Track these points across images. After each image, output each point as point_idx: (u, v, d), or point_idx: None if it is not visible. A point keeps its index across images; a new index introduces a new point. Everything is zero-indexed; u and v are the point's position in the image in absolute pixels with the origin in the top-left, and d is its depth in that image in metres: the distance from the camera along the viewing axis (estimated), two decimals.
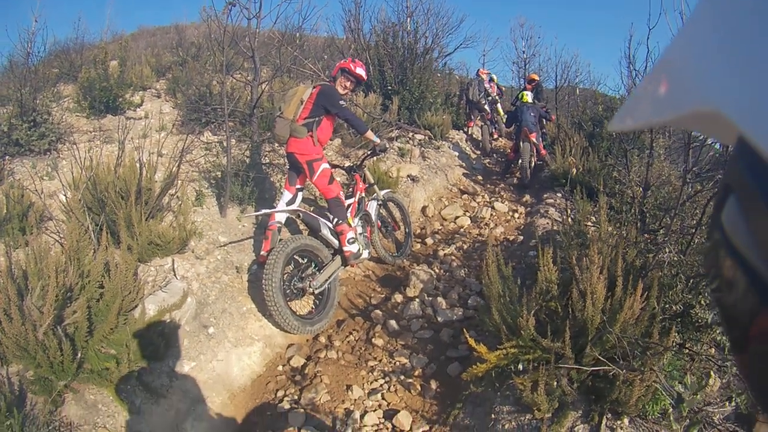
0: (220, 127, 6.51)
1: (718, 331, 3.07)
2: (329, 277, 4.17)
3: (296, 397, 3.48)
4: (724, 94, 0.30)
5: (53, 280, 2.90)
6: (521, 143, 8.17)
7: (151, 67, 9.44)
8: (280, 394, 3.54)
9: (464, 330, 3.35)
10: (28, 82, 6.26)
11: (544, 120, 9.27)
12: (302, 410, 3.36)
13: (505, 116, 10.41)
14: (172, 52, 11.10)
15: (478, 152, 10.26)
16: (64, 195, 4.21)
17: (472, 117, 10.84)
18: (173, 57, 10.54)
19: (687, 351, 2.96)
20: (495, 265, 3.31)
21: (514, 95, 12.08)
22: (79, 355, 2.98)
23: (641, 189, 4.13)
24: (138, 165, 4.06)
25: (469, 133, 11.03)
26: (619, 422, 2.76)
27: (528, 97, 8.91)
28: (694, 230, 3.37)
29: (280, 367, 3.81)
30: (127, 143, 4.77)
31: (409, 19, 10.81)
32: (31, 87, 6.20)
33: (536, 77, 12.23)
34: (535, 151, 8.38)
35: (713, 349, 3.10)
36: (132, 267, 3.39)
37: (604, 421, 2.74)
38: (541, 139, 8.72)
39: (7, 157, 5.57)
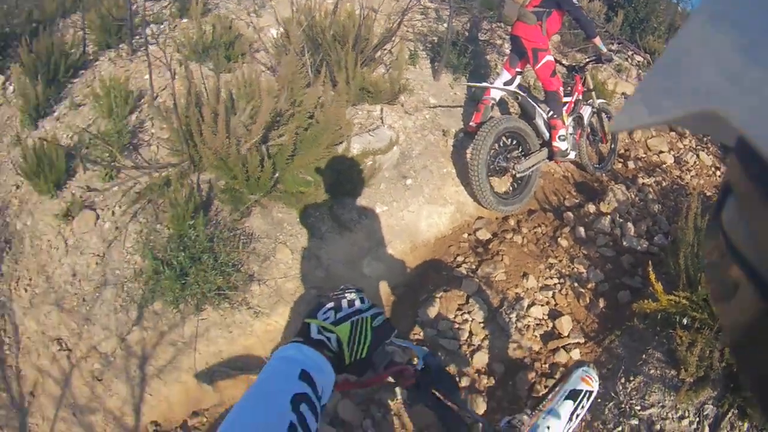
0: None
1: None
2: (533, 165, 4.17)
3: (474, 267, 3.64)
4: (724, 94, 0.29)
5: (265, 102, 3.15)
6: None
7: None
8: (459, 259, 3.72)
9: (649, 262, 3.23)
10: None
11: None
12: (477, 280, 3.51)
13: None
14: None
15: None
16: (276, 30, 4.44)
17: None
18: None
19: None
20: (693, 213, 3.17)
21: None
22: (277, 174, 3.28)
23: None
24: (358, 13, 4.16)
25: None
26: (740, 423, 2.71)
27: None
28: None
29: (465, 235, 3.97)
30: None
31: None
32: None
33: None
34: None
35: None
36: (344, 105, 3.60)
37: (728, 416, 2.70)
38: None
39: None
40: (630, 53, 7.96)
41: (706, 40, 0.33)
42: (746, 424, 2.71)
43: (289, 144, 3.24)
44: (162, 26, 5.20)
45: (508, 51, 4.66)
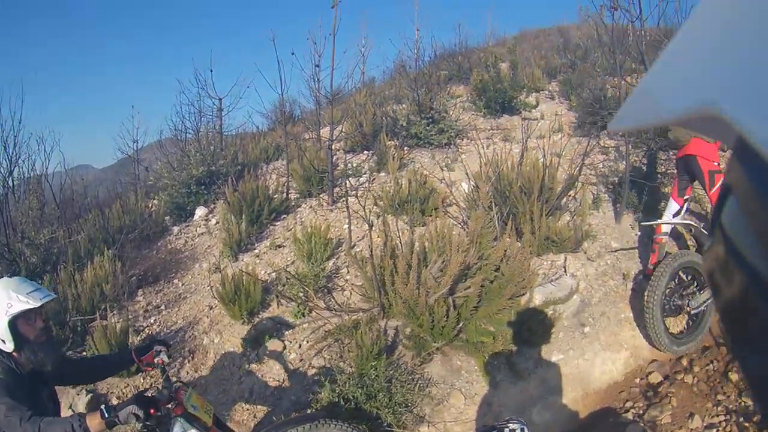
0: (616, 132, 6.49)
1: None
2: (708, 299, 3.95)
3: (641, 412, 3.53)
4: (724, 94, 0.29)
5: (454, 257, 3.36)
6: None
7: (540, 69, 9.78)
8: (628, 404, 3.62)
9: None
10: (422, 84, 7.01)
11: None
12: (642, 425, 3.41)
13: None
14: (559, 54, 11.35)
15: None
16: (467, 185, 4.78)
17: None
18: (561, 59, 10.77)
19: None
20: None
21: None
22: (461, 324, 3.43)
23: None
24: (541, 164, 4.37)
25: None
26: None
27: None
28: None
29: (638, 380, 3.85)
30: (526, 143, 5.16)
31: None
32: (426, 88, 6.97)
33: None
34: None
35: None
36: (528, 258, 3.74)
37: None
38: None
39: (407, 147, 6.49)
40: None
41: (706, 41, 0.34)
42: None
43: (474, 296, 3.40)
44: (361, 179, 5.81)
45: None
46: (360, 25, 13.76)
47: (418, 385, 3.32)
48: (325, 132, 6.61)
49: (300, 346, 3.84)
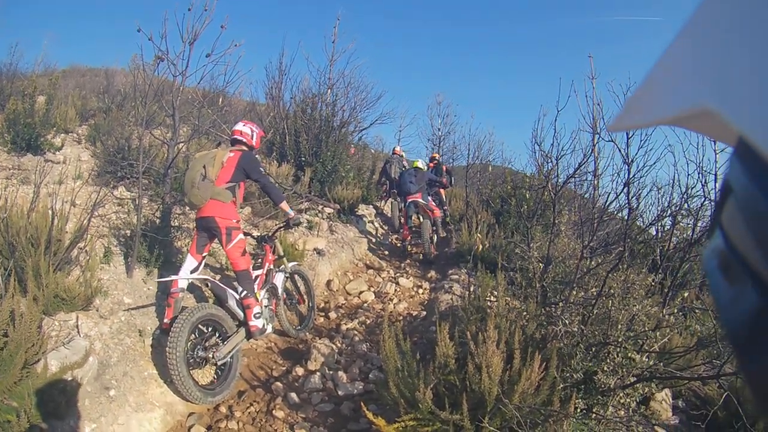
0: (134, 184, 6.40)
1: (622, 395, 3.33)
2: (233, 349, 4.17)
3: None
4: (724, 94, 0.30)
5: None
6: (413, 219, 8.38)
7: (76, 109, 9.34)
8: None
9: (363, 403, 3.49)
10: None
11: (437, 183, 9.43)
12: None
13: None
14: (98, 97, 11.02)
15: (387, 228, 10.60)
16: None
17: (390, 193, 11.10)
18: (99, 102, 10.47)
19: (594, 415, 3.21)
20: (392, 340, 3.49)
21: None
22: None
23: (542, 264, 4.46)
24: (50, 212, 3.99)
25: (382, 208, 11.39)
26: None
27: (420, 163, 9.11)
28: (593, 301, 3.66)
29: None
30: (43, 188, 4.67)
31: (329, 90, 11.28)
32: None
33: (437, 156, 13.02)
34: (433, 223, 8.60)
35: (621, 411, 3.47)
36: (37, 319, 3.31)
37: None
38: (430, 199, 8.84)
39: None
40: (320, 207, 8.68)
41: (706, 41, 0.34)
42: None
43: None
44: None
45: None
46: None
47: None
48: None
49: None
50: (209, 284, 4.31)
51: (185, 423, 3.88)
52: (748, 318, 0.30)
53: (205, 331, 4.20)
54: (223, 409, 4.05)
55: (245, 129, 4.61)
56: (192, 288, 4.74)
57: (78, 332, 3.83)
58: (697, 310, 4.92)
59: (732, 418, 4.34)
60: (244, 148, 4.55)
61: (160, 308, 4.58)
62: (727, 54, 0.32)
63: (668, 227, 5.51)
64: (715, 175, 5.06)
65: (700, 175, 4.86)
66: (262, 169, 4.43)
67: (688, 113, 0.36)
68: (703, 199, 4.83)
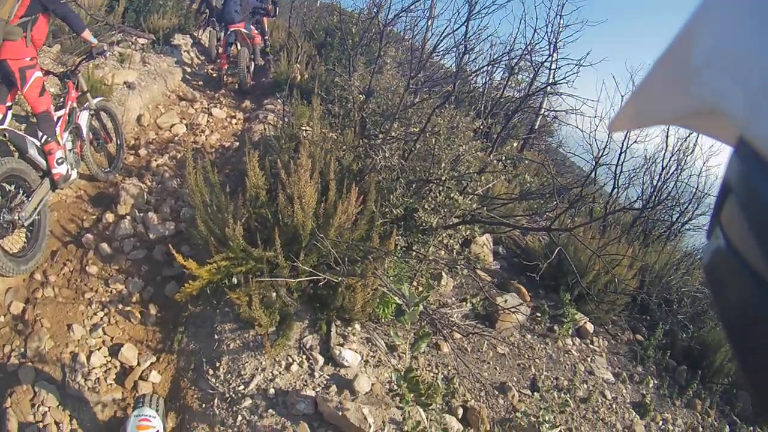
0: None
1: (445, 235, 3.38)
2: (39, 204, 3.77)
3: (23, 350, 3.20)
4: (725, 94, 0.30)
5: None
6: (237, 47, 8.03)
7: None
8: (6, 349, 3.20)
9: (170, 246, 3.30)
10: None
11: (261, 11, 9.13)
12: (30, 363, 3.11)
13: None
14: None
15: (203, 58, 10.06)
16: None
17: (209, 22, 10.40)
18: None
19: (414, 254, 3.23)
20: (199, 173, 3.27)
21: None
22: None
23: (363, 96, 4.34)
24: None
25: (200, 38, 10.71)
26: (350, 329, 2.94)
27: None
28: (416, 137, 3.61)
29: (2, 318, 3.41)
30: None
31: None
32: None
33: None
34: (251, 52, 8.30)
35: (443, 251, 3.57)
36: None
37: (333, 329, 2.88)
38: (252, 28, 8.52)
39: None
40: (134, 39, 8.00)
41: (705, 41, 0.34)
42: (356, 325, 2.88)
43: None
44: None
45: None
46: None
47: None
48: None
49: None
50: (6, 135, 3.74)
51: (3, 302, 3.53)
52: (747, 317, 0.30)
53: (9, 189, 3.70)
54: (38, 276, 3.72)
55: None
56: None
57: None
58: (527, 161, 5.24)
59: (556, 270, 4.79)
60: None
61: None
62: (727, 53, 0.32)
63: (499, 80, 5.66)
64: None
65: (550, 30, 4.97)
66: None
67: (689, 113, 0.36)
68: (548, 56, 4.96)
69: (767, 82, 0.27)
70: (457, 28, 4.41)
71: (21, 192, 3.73)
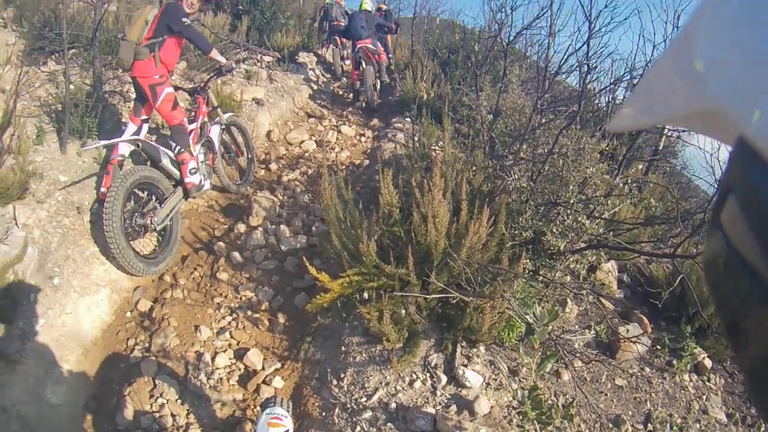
0: (63, 55, 5.91)
1: (572, 259, 3.30)
2: (171, 211, 4.05)
3: (147, 345, 3.41)
4: (725, 93, 0.30)
5: None
6: (363, 65, 8.07)
7: None
8: (131, 342, 3.43)
9: (305, 259, 3.39)
10: None
11: (385, 28, 9.14)
12: (154, 358, 3.30)
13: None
14: None
15: (329, 76, 10.25)
16: None
17: (331, 40, 10.66)
18: None
19: (541, 278, 3.17)
20: (333, 189, 3.35)
21: None
22: None
23: (491, 115, 4.35)
24: None
25: (324, 55, 10.97)
26: (474, 350, 2.90)
27: (367, 5, 8.58)
28: (544, 158, 3.56)
29: (129, 314, 3.67)
30: None
31: None
32: None
33: (384, 6, 12.09)
34: (377, 70, 8.28)
35: (568, 277, 3.46)
36: None
37: (459, 350, 2.85)
38: (379, 44, 8.52)
39: None
40: (259, 56, 8.30)
41: (705, 41, 0.34)
42: (481, 347, 2.85)
43: None
44: None
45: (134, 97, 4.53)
46: None
47: None
48: None
49: None
50: (140, 145, 4.06)
51: (132, 299, 3.81)
52: (747, 317, 0.30)
53: (142, 196, 4.02)
54: (168, 278, 3.98)
55: None
56: (134, 156, 4.46)
57: (16, 223, 3.60)
58: (651, 184, 4.97)
59: (678, 300, 4.48)
60: (172, 1, 4.27)
61: (98, 180, 4.36)
62: (728, 53, 0.31)
63: (622, 99, 5.44)
64: None
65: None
66: (185, 20, 4.11)
67: (689, 113, 0.35)
68: None
69: (767, 82, 0.27)
70: (579, 48, 4.29)
71: (154, 198, 4.04)
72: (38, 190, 3.98)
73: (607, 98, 5.86)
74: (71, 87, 4.67)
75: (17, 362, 3.00)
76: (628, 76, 5.19)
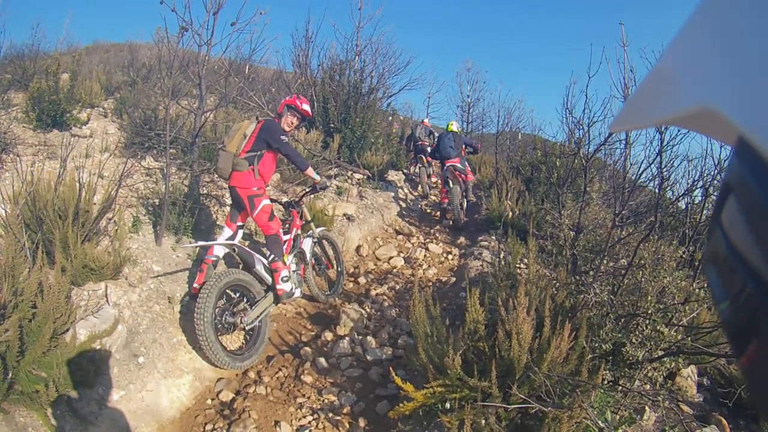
0: (161, 154, 6.49)
1: (650, 368, 3.31)
2: (261, 314, 4.26)
3: (225, 431, 3.51)
4: (724, 94, 0.30)
5: None
6: (450, 184, 8.33)
7: (101, 84, 9.43)
8: (208, 427, 3.55)
9: (391, 368, 3.54)
10: None
11: (470, 148, 9.40)
12: None
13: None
14: (123, 71, 11.11)
15: (416, 194, 10.58)
16: (3, 209, 4.06)
17: (417, 159, 11.09)
18: (124, 76, 10.54)
19: (620, 388, 3.19)
20: (422, 305, 3.49)
21: None
22: (10, 375, 2.94)
23: (573, 232, 4.45)
24: (78, 185, 4.04)
25: (410, 174, 11.38)
26: None
27: (454, 126, 8.98)
28: (624, 271, 3.62)
29: (209, 401, 3.82)
30: (70, 161, 4.72)
31: (357, 57, 11.29)
32: None
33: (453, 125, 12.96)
34: (463, 189, 8.50)
35: (647, 385, 3.46)
36: (65, 289, 3.37)
37: None
38: (467, 163, 8.83)
39: None
40: (350, 173, 8.72)
41: (705, 42, 0.34)
42: None
43: (14, 339, 2.93)
44: None
45: (229, 203, 4.83)
46: None
47: None
48: None
49: None
50: (236, 249, 4.34)
51: (213, 388, 3.98)
52: (748, 320, 0.30)
53: (233, 296, 4.28)
54: (252, 375, 4.13)
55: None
56: (226, 258, 4.81)
57: (107, 301, 3.92)
58: None
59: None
60: (271, 117, 4.62)
61: (191, 275, 4.68)
62: (727, 54, 0.32)
63: (699, 200, 5.42)
64: None
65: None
66: (284, 137, 4.40)
67: (688, 113, 0.36)
68: None
69: (766, 82, 0.27)
70: (653, 161, 4.41)
71: (245, 300, 4.26)
72: (131, 274, 4.30)
73: (684, 202, 5.88)
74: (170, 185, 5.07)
75: (90, 423, 3.20)
76: (701, 183, 5.24)
